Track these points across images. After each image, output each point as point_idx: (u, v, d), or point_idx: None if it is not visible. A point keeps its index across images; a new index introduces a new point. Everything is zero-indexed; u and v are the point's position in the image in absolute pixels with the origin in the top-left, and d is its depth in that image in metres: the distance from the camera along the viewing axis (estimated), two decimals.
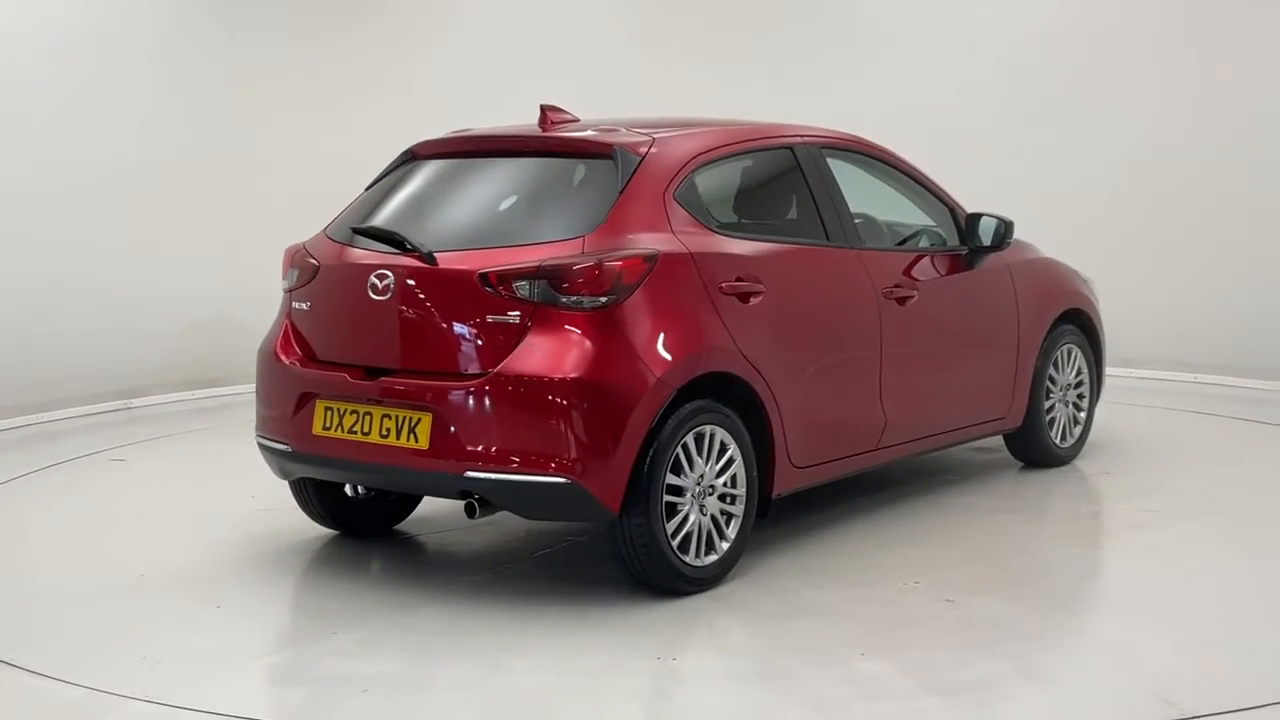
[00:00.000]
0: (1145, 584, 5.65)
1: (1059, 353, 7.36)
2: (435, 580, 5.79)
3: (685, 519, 5.31)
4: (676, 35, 11.75)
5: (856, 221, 6.79)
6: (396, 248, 5.44)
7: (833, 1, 11.62)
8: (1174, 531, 6.26)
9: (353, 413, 5.41)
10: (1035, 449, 7.36)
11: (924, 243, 6.84)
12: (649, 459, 5.15)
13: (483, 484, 5.15)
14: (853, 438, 6.14)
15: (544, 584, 5.65)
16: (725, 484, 5.48)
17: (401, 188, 5.87)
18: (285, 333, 5.80)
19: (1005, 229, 6.71)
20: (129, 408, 9.75)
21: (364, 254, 5.56)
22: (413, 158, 6.04)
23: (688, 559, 5.33)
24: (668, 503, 5.24)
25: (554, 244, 5.23)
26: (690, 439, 5.31)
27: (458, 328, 5.28)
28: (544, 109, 5.98)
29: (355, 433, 5.39)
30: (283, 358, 5.72)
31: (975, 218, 6.73)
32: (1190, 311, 10.36)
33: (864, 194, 6.75)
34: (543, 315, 5.12)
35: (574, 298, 5.09)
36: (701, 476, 5.35)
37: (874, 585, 5.54)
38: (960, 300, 6.74)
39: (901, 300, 6.28)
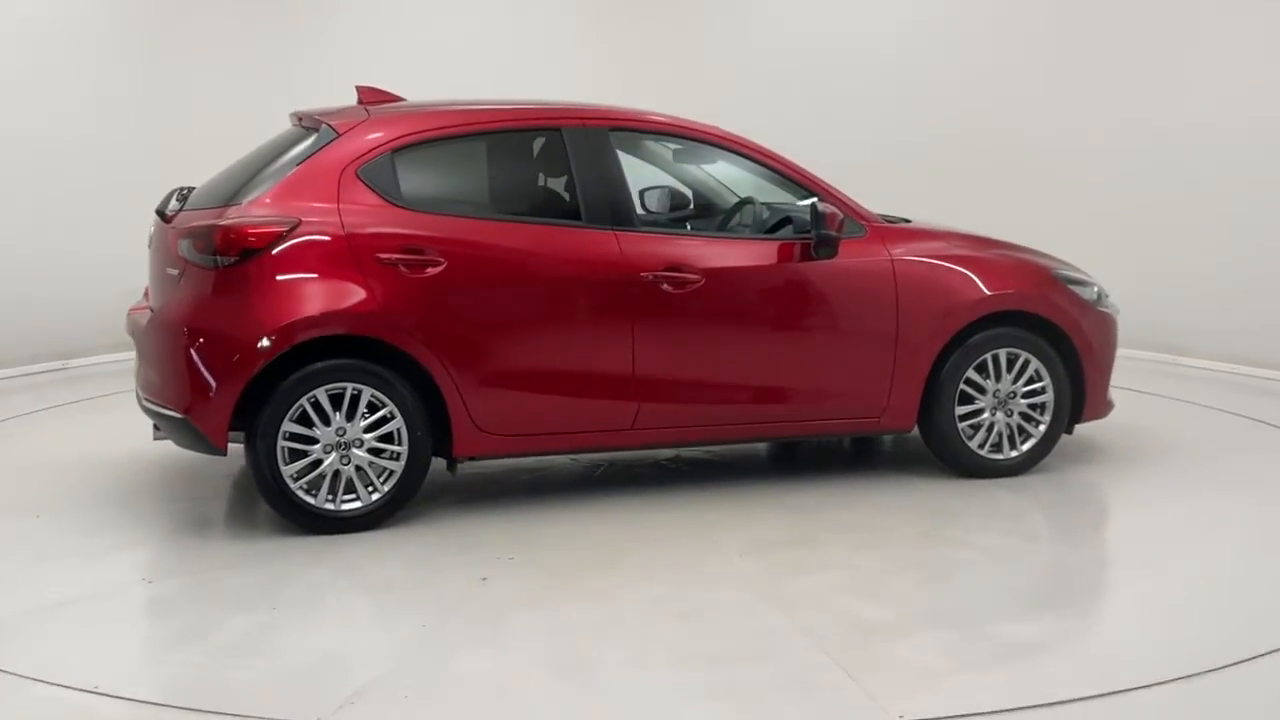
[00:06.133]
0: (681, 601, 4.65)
1: (988, 358, 6.04)
2: None
3: (316, 464, 5.25)
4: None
5: (747, 207, 6.17)
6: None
7: None
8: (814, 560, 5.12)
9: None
10: (949, 456, 6.13)
11: (789, 230, 5.94)
12: (269, 406, 5.16)
13: (149, 412, 5.47)
14: (589, 415, 5.62)
15: None
16: (393, 439, 5.32)
17: (250, 153, 6.08)
18: None
19: (820, 219, 5.67)
20: (66, 368, 9.32)
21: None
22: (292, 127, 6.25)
23: (314, 501, 5.26)
24: (300, 450, 5.21)
25: (224, 208, 5.34)
26: (323, 394, 5.22)
27: (162, 278, 5.58)
28: (359, 90, 5.99)
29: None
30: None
31: (813, 208, 5.75)
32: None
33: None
34: (191, 271, 5.32)
35: (208, 257, 5.22)
36: (341, 430, 5.24)
37: (482, 549, 5.18)
38: (788, 290, 5.81)
39: (678, 284, 5.59)
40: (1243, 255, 9.04)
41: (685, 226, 6.33)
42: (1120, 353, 6.56)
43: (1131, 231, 9.60)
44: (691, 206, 6.37)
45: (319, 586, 4.79)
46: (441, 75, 9.30)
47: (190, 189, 5.83)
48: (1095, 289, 6.33)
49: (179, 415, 5.26)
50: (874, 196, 6.82)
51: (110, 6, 9.69)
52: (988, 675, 3.99)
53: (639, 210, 6.37)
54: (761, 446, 6.85)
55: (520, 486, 6.09)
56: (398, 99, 6.03)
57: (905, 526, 5.50)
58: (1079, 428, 6.36)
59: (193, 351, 5.21)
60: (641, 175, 6.52)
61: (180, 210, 5.61)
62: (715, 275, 5.67)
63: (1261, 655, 4.11)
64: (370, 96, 5.97)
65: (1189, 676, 3.95)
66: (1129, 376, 7.03)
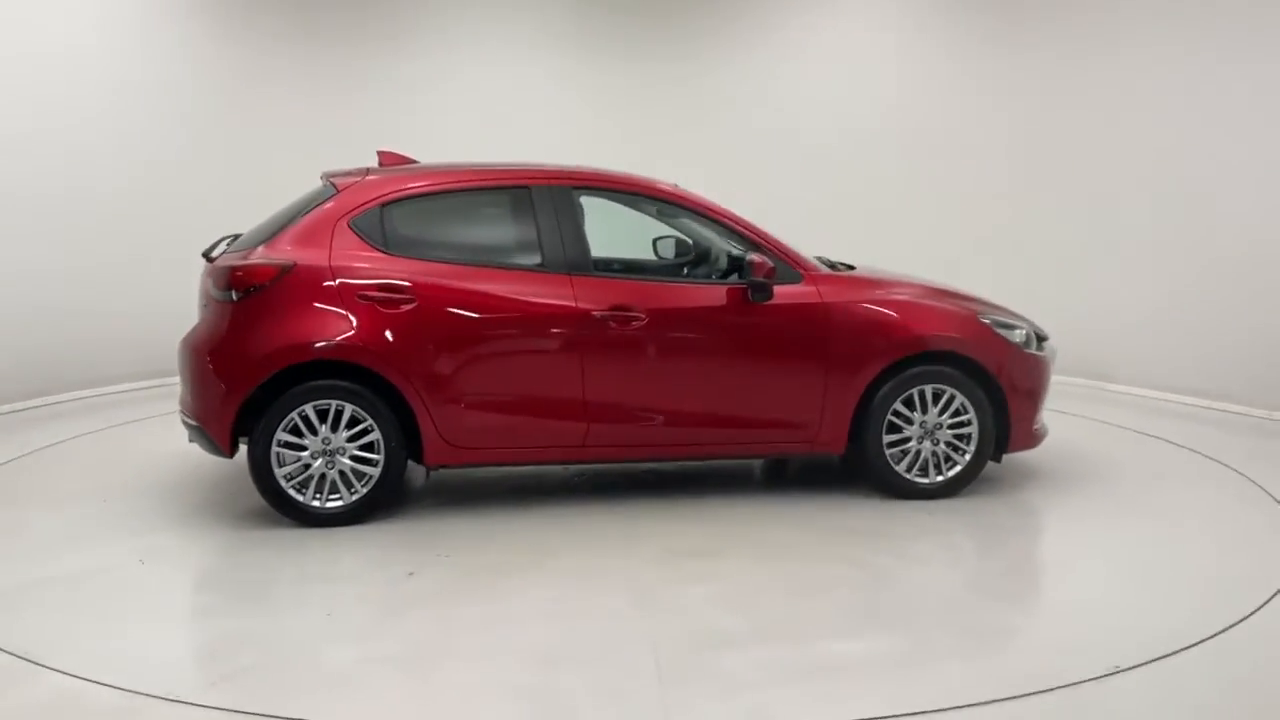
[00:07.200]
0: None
1: (915, 392, 5.63)
2: None
3: (307, 468, 5.22)
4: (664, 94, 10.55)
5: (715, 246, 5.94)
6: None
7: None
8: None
9: None
10: (875, 479, 5.73)
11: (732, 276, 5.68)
12: (265, 418, 5.16)
13: (182, 421, 5.51)
14: (544, 434, 5.42)
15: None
16: (373, 448, 5.26)
17: (284, 206, 6.02)
18: None
19: (748, 268, 5.41)
20: (163, 385, 8.84)
21: None
22: None
23: (302, 499, 5.23)
24: (293, 455, 5.21)
25: (250, 252, 5.35)
26: (311, 409, 5.19)
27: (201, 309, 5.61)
28: (379, 153, 5.94)
29: None
30: None
31: (741, 259, 5.50)
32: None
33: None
34: (212, 305, 5.35)
35: (225, 293, 5.24)
36: (327, 440, 5.20)
37: (430, 547, 5.05)
38: (725, 328, 5.50)
39: (624, 322, 5.37)
40: (1164, 290, 8.61)
41: (683, 270, 6.11)
42: (1055, 378, 6.03)
43: (1064, 268, 9.27)
44: (693, 254, 6.16)
45: (271, 574, 4.74)
46: (475, 140, 9.20)
47: (238, 235, 5.85)
48: (1024, 332, 5.82)
49: (195, 424, 5.30)
50: (830, 243, 6.49)
51: (189, 74, 9.50)
52: (785, 690, 3.64)
53: (654, 255, 6.24)
54: (748, 460, 6.53)
55: (501, 491, 5.94)
56: (411, 160, 5.95)
57: (816, 544, 5.12)
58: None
59: (206, 371, 5.23)
60: (633, 227, 6.35)
61: (223, 253, 5.64)
62: (658, 314, 5.43)
63: (1045, 690, 3.65)
64: (388, 159, 5.92)
65: (979, 704, 3.53)
66: (1062, 400, 6.46)
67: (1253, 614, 4.28)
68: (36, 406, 8.29)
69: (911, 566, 4.86)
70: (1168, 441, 7.10)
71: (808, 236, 6.05)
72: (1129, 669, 3.80)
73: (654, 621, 4.19)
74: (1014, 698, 3.58)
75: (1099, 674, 3.76)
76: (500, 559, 4.89)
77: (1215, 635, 4.08)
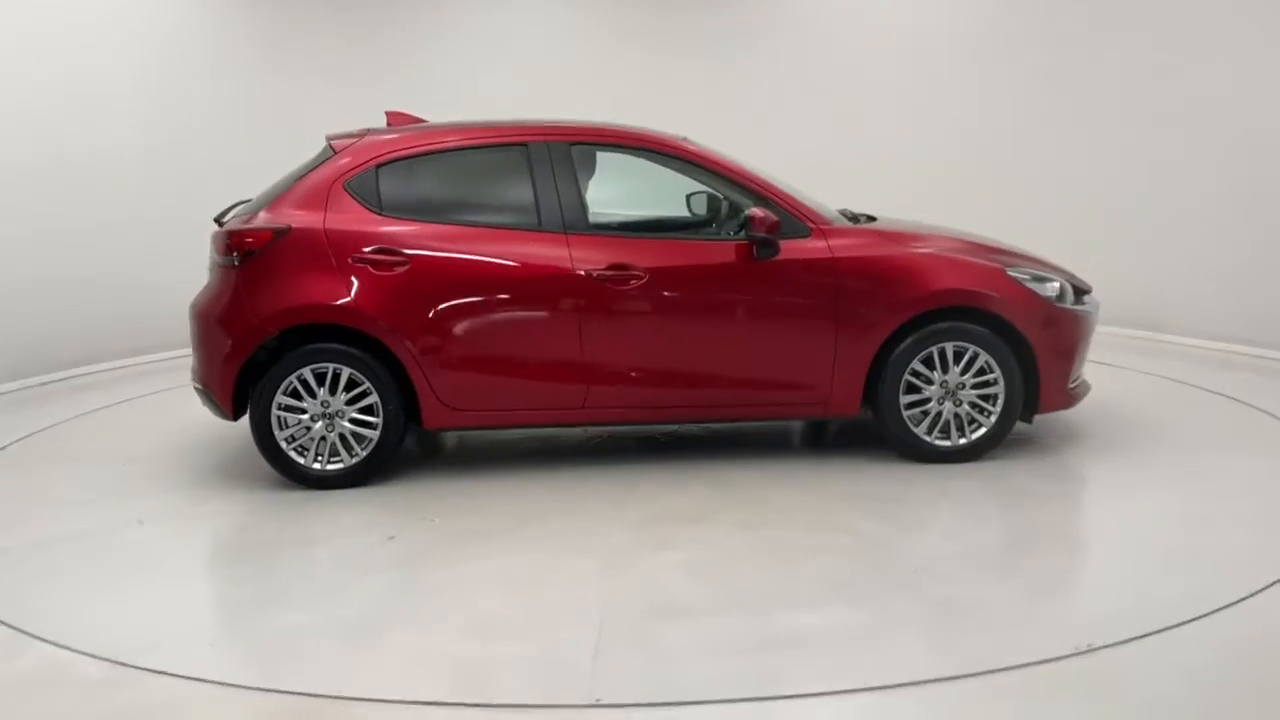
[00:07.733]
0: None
1: (934, 351, 5.39)
2: None
3: (307, 430, 5.29)
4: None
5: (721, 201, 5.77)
6: None
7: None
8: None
9: None
10: (894, 441, 5.51)
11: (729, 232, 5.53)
12: (264, 382, 5.24)
13: (193, 387, 5.63)
14: (543, 396, 5.36)
15: None
16: (371, 411, 5.30)
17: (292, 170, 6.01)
18: None
19: (748, 223, 5.22)
20: None
21: None
22: None
23: (303, 461, 5.31)
24: (294, 418, 5.28)
25: (248, 216, 5.43)
26: (309, 372, 5.25)
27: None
28: (388, 114, 5.93)
29: None
30: None
31: (745, 213, 5.32)
32: None
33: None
34: (216, 270, 5.44)
35: (226, 258, 5.33)
36: (326, 403, 5.26)
37: (418, 511, 5.05)
38: (727, 286, 5.33)
39: (621, 281, 5.27)
40: (1217, 235, 8.19)
41: (712, 226, 5.97)
42: (1102, 329, 5.70)
43: (1115, 216, 8.90)
44: (722, 210, 6.00)
45: (262, 536, 4.78)
46: (505, 96, 9.11)
47: (250, 200, 5.92)
48: (1057, 286, 5.50)
49: (201, 387, 5.40)
50: (874, 198, 6.25)
51: (214, 37, 9.61)
52: (723, 664, 3.51)
53: (686, 212, 6.11)
54: (785, 422, 6.38)
55: (511, 454, 5.91)
56: (420, 121, 5.92)
57: (808, 510, 4.95)
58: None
59: (208, 335, 5.32)
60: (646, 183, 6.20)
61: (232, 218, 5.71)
62: (658, 273, 5.29)
63: (998, 670, 3.44)
64: (396, 119, 5.89)
65: (925, 682, 3.36)
66: (1110, 352, 6.05)
67: (1256, 593, 3.97)
68: (80, 375, 8.57)
69: (908, 535, 4.65)
70: (1218, 394, 6.67)
71: (853, 189, 5.80)
72: (1100, 649, 3.56)
73: (614, 590, 4.10)
74: (962, 677, 3.39)
75: (1067, 653, 3.53)
76: (484, 523, 4.86)
77: (1206, 615, 3.80)
